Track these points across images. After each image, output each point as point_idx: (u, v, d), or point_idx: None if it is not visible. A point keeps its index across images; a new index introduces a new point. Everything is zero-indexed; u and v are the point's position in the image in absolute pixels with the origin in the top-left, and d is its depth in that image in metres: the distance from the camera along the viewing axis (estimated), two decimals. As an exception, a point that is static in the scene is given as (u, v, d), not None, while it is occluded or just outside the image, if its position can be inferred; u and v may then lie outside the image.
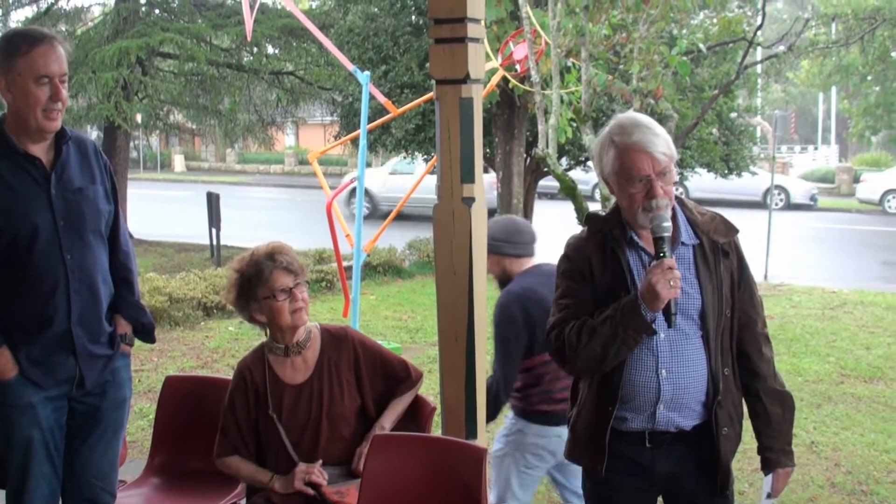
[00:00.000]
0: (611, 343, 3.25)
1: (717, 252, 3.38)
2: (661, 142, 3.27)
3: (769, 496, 3.55)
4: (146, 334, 4.32)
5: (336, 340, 4.31)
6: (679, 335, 3.33)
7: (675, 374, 3.32)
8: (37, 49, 3.70)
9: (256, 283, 4.13)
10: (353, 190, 26.55)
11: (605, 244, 3.41)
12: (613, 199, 3.50)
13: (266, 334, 4.32)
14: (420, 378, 4.45)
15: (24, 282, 3.77)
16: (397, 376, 4.38)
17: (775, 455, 3.50)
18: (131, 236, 18.03)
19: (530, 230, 5.35)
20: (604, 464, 3.41)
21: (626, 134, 3.31)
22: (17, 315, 3.79)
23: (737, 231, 3.47)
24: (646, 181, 3.25)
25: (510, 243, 5.21)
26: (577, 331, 3.34)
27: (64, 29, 20.36)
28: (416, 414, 4.48)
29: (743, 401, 3.52)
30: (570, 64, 9.10)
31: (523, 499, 5.17)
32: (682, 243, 3.37)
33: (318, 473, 4.05)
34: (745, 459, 5.54)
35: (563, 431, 3.93)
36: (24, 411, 3.83)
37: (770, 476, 3.53)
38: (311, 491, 4.03)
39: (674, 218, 3.39)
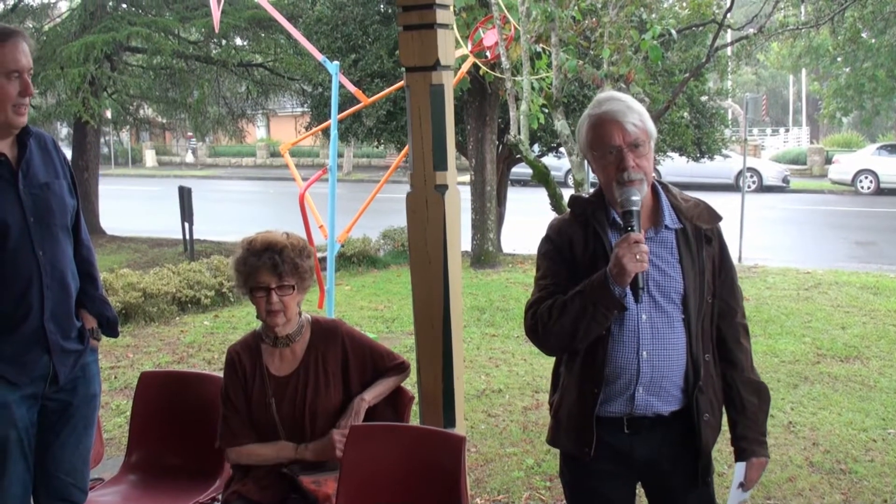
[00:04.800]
0: (580, 319, 3.24)
1: (700, 238, 3.37)
2: (634, 114, 3.27)
3: (741, 486, 3.54)
4: (110, 328, 4.28)
5: (326, 334, 4.27)
6: (661, 318, 3.32)
7: (655, 356, 3.31)
8: (6, 44, 3.67)
9: (244, 272, 4.10)
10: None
11: (588, 225, 3.40)
12: (587, 185, 3.49)
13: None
14: (408, 368, 4.42)
15: None
16: (386, 367, 4.34)
17: (749, 445, 3.49)
18: (104, 233, 17.89)
19: None
20: (592, 447, 3.39)
21: (599, 106, 3.34)
22: None
23: (720, 218, 3.46)
24: (616, 152, 3.25)
25: None
26: (548, 308, 3.34)
27: (31, 25, 20.24)
28: (395, 403, 4.45)
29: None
30: (540, 50, 9.07)
31: None
32: (666, 227, 3.36)
33: None
34: (723, 441, 5.53)
35: None
36: (0, 412, 3.79)
37: (742, 465, 3.51)
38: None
39: (657, 201, 3.40)
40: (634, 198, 3.20)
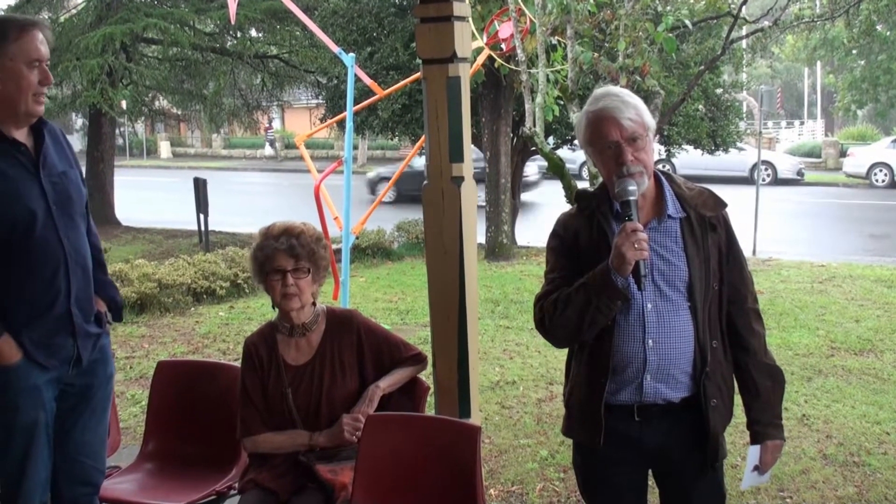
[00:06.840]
0: (585, 310, 3.28)
1: (705, 225, 3.40)
2: (630, 109, 3.30)
3: (756, 469, 3.56)
4: (116, 312, 4.34)
5: (341, 323, 4.30)
6: (667, 306, 3.34)
7: (661, 344, 3.34)
8: (28, 34, 3.74)
9: (262, 259, 4.15)
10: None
11: (593, 218, 3.43)
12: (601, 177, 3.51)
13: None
14: (425, 360, 4.43)
15: (26, 267, 3.80)
16: (402, 357, 4.35)
17: (764, 428, 3.51)
18: (119, 223, 17.97)
19: None
20: (601, 435, 3.42)
21: (595, 103, 3.38)
22: (21, 300, 3.82)
23: (724, 205, 3.48)
24: (614, 147, 3.28)
25: None
26: (554, 301, 3.38)
27: (47, 16, 20.30)
28: (411, 394, 4.46)
29: (733, 375, 3.53)
30: (555, 42, 9.07)
31: None
32: (669, 216, 3.38)
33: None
34: (737, 433, 5.55)
35: None
36: (31, 394, 3.85)
37: (757, 448, 3.53)
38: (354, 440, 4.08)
39: (660, 191, 3.42)
40: (631, 188, 3.23)
